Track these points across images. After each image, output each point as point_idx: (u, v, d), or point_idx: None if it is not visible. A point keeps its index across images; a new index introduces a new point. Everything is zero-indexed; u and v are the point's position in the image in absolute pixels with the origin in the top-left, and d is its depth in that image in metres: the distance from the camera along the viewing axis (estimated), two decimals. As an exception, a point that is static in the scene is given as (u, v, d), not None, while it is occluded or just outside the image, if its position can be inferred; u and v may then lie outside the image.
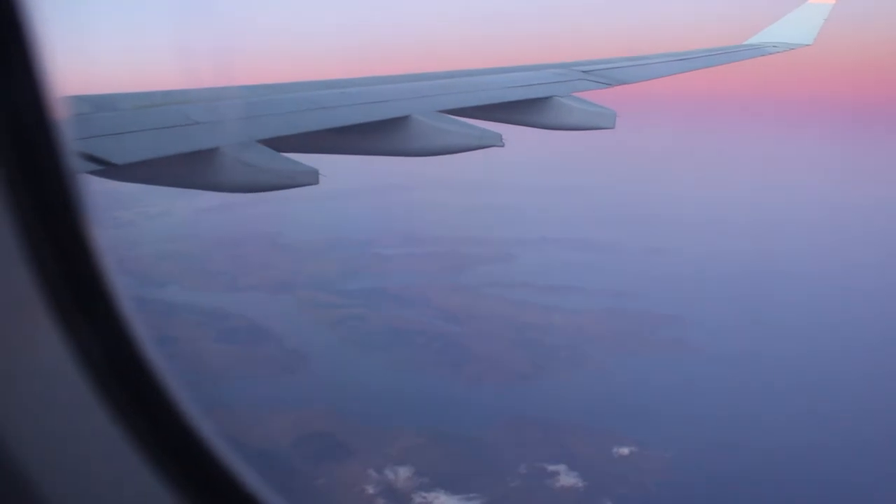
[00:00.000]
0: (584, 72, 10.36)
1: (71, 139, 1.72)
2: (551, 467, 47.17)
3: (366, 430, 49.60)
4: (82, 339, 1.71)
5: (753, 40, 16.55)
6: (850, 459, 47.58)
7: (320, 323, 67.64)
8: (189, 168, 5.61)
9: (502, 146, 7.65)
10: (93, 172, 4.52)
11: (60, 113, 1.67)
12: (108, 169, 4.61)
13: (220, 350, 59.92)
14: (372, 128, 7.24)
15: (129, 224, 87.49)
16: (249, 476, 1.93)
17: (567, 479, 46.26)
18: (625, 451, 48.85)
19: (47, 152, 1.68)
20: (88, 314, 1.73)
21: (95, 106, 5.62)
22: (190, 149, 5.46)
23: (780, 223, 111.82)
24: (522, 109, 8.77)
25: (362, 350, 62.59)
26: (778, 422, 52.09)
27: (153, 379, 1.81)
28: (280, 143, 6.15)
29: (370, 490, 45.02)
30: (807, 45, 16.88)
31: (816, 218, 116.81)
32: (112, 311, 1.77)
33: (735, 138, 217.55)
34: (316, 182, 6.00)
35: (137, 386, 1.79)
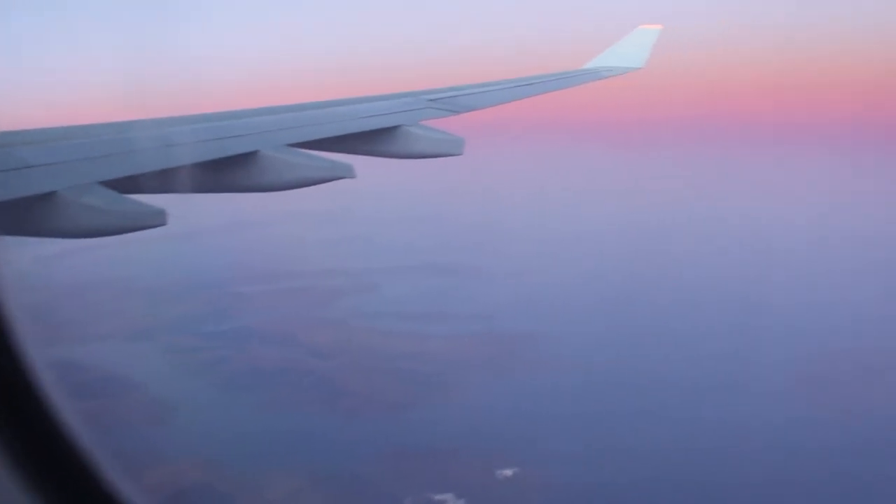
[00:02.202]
0: (430, 100, 10.56)
1: None
2: (438, 496, 46.88)
3: (244, 477, 47.99)
4: None
5: (590, 65, 17.36)
6: (730, 468, 49.25)
7: (184, 369, 65.10)
8: (25, 215, 5.36)
9: (354, 177, 7.67)
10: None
11: None
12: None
13: (77, 407, 56.40)
14: (220, 164, 7.13)
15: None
16: None
17: (456, 506, 46.23)
18: (508, 472, 49.13)
19: None
20: None
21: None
22: (24, 194, 5.22)
23: (631, 240, 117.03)
24: (371, 140, 8.85)
25: (232, 393, 60.63)
26: (651, 432, 53.59)
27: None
28: (125, 184, 5.96)
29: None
30: (639, 68, 17.89)
31: (664, 232, 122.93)
32: None
33: (577, 160, 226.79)
34: (164, 223, 5.83)
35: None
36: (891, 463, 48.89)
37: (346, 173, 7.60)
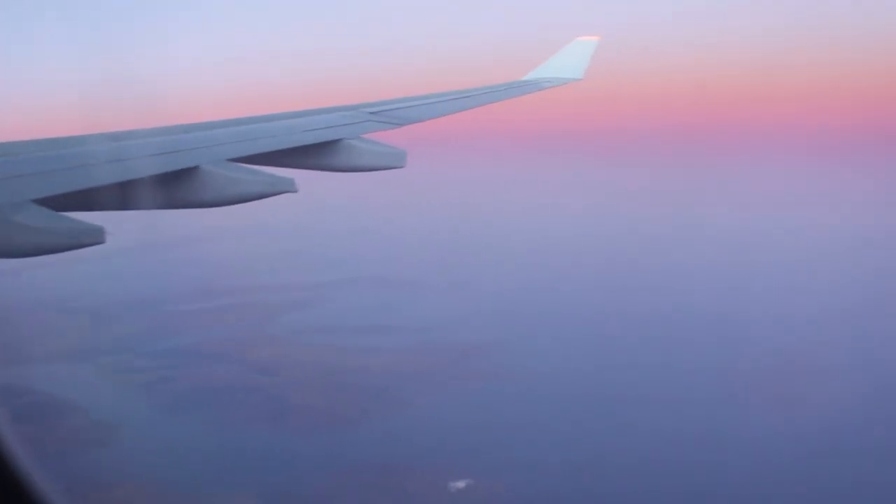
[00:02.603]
0: (371, 113, 10.56)
1: None
2: (392, 511, 46.70)
3: (191, 501, 47.01)
4: None
5: (530, 76, 17.55)
6: (683, 476, 49.65)
7: (126, 390, 63.71)
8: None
9: (295, 191, 7.62)
10: None
11: None
12: None
13: (17, 431, 54.58)
14: (160, 180, 7.04)
15: None
16: None
17: (410, 521, 46.01)
18: (461, 484, 49.02)
19: None
20: None
21: None
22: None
23: (572, 248, 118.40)
24: (313, 153, 8.80)
25: (176, 414, 59.36)
26: (602, 440, 53.96)
27: None
28: (62, 202, 5.84)
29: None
30: (577, 79, 18.16)
31: (604, 241, 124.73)
32: None
33: (518, 171, 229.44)
34: (102, 241, 5.71)
35: None
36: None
37: (287, 188, 7.54)
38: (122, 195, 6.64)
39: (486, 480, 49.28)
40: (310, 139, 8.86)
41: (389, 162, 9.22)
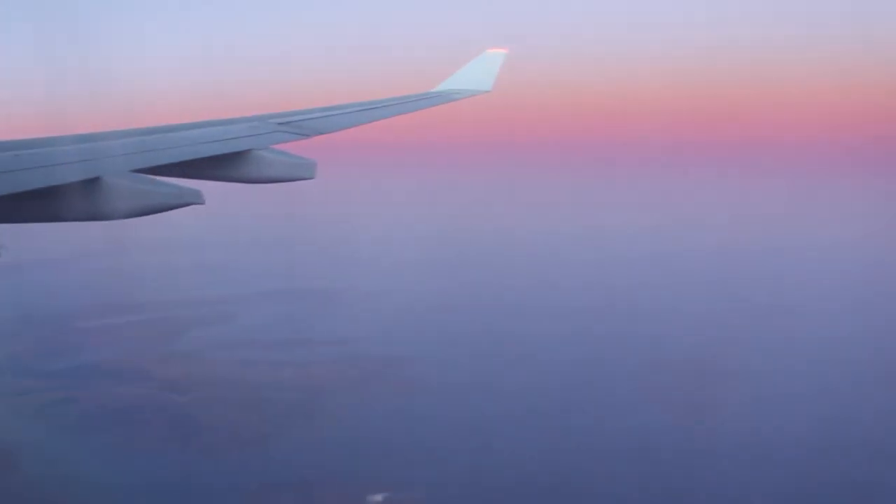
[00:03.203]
0: (280, 123, 10.42)
1: None
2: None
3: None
4: None
5: (439, 88, 17.67)
6: (603, 480, 50.40)
7: (24, 412, 60.76)
8: None
9: (203, 203, 7.44)
10: None
11: None
12: None
13: None
14: (59, 192, 6.78)
15: None
16: None
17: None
18: (378, 498, 48.59)
19: None
20: None
21: None
22: None
23: (484, 260, 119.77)
24: (221, 164, 8.56)
25: (78, 437, 56.71)
26: (518, 450, 54.07)
27: None
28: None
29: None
30: (486, 91, 18.38)
31: (515, 252, 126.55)
32: None
33: (427, 182, 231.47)
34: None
35: None
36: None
37: (194, 199, 7.34)
38: (17, 207, 6.39)
39: (404, 494, 49.10)
40: (217, 150, 8.63)
41: (299, 173, 9.09)
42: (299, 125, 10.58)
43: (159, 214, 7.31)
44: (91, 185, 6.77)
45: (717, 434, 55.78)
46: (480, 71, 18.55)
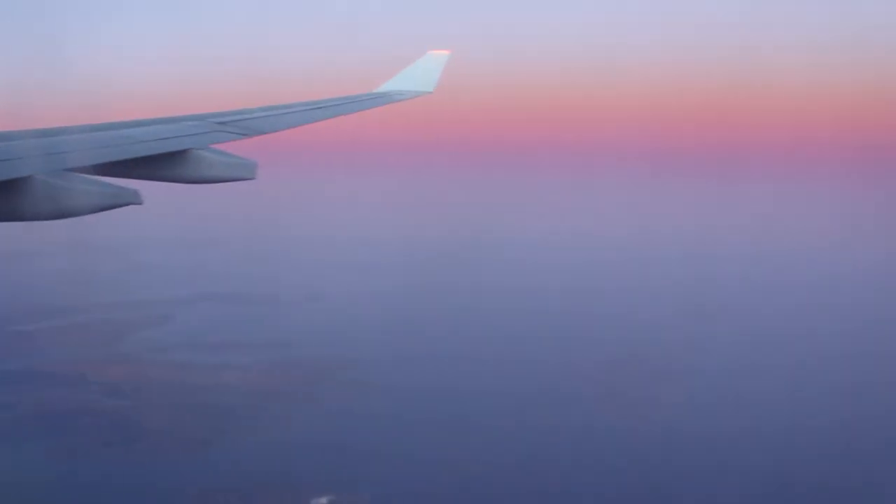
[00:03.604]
0: (219, 123, 10.28)
1: None
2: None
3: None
4: None
5: (382, 88, 17.66)
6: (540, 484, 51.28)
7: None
8: None
9: (141, 203, 7.34)
10: None
11: None
12: None
13: None
14: None
15: None
16: None
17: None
18: (323, 500, 48.45)
19: None
20: None
21: None
22: None
23: (423, 262, 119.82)
24: (160, 164, 8.46)
25: (15, 443, 55.15)
26: (458, 447, 54.50)
27: None
28: None
29: None
30: (428, 92, 18.42)
31: (452, 256, 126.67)
32: None
33: (369, 183, 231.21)
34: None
35: None
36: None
37: (132, 199, 7.22)
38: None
39: (348, 496, 48.96)
40: (156, 149, 8.50)
41: (240, 173, 8.98)
42: (240, 125, 10.46)
43: (97, 214, 7.18)
44: (23, 184, 6.63)
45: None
46: (423, 72, 18.58)
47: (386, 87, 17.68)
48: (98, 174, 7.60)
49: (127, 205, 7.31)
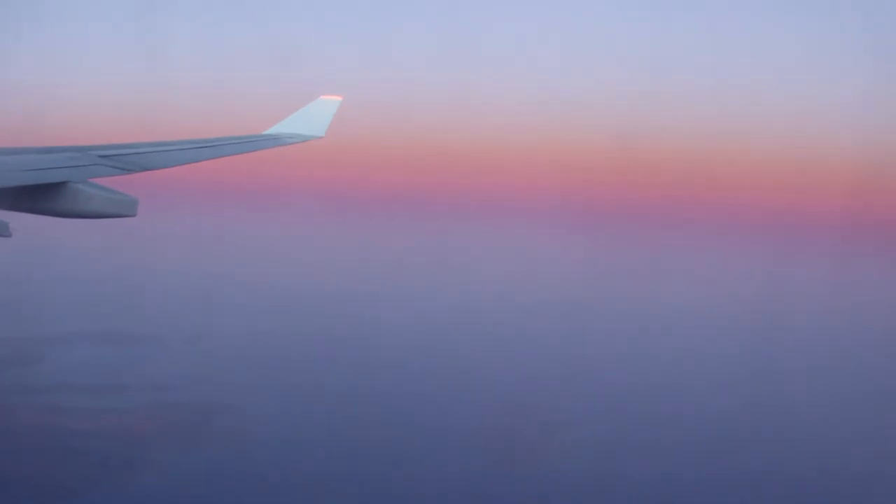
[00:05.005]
0: (102, 156, 10.04)
1: None
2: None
3: None
4: None
5: (272, 130, 17.64)
6: None
7: None
8: None
9: (9, 236, 7.10)
10: None
11: None
12: None
13: None
14: None
15: None
16: None
17: None
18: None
19: None
20: None
21: None
22: None
23: (309, 304, 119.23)
24: (33, 196, 8.16)
25: None
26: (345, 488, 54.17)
27: None
28: None
29: None
30: (319, 136, 18.53)
31: (336, 298, 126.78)
32: None
33: (255, 224, 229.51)
34: None
35: None
36: None
37: (0, 231, 7.00)
38: None
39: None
40: (30, 179, 8.18)
41: (120, 209, 8.73)
42: (123, 159, 10.21)
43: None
44: None
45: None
46: (314, 116, 18.68)
47: (276, 129, 17.70)
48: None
49: None
